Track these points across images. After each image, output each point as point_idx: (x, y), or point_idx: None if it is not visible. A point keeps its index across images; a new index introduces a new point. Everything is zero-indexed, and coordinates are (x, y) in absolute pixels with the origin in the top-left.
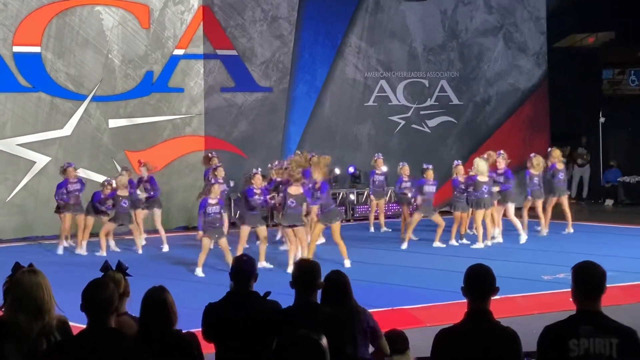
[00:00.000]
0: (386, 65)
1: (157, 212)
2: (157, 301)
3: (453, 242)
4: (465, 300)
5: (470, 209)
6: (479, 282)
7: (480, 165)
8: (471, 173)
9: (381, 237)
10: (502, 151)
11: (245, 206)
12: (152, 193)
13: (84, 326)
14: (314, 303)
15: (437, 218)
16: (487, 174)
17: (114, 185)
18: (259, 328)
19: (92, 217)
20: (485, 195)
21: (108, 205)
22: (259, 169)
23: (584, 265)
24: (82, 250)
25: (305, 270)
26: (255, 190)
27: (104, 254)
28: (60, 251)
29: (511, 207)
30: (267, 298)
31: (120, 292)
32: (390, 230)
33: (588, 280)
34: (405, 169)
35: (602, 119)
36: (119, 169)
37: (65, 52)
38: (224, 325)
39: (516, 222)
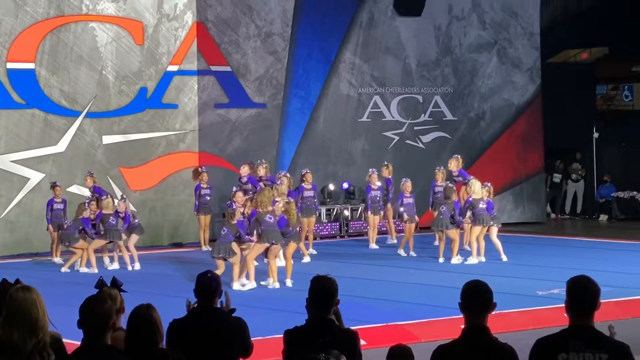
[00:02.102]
0: (380, 81)
1: (135, 236)
2: (144, 318)
3: (455, 260)
4: (461, 316)
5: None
6: (476, 297)
7: (476, 185)
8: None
9: (375, 253)
10: (488, 183)
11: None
12: (126, 224)
13: (78, 343)
14: (329, 320)
15: (453, 233)
16: (481, 193)
17: (101, 205)
18: (223, 344)
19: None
20: (484, 212)
21: (99, 229)
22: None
23: (578, 279)
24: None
25: (323, 287)
26: (237, 207)
27: (95, 270)
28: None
29: (494, 230)
30: (233, 315)
31: (117, 308)
32: (377, 247)
33: (581, 295)
34: (407, 185)
35: (595, 135)
36: (114, 186)
37: (59, 68)
38: (188, 341)
39: (498, 244)
